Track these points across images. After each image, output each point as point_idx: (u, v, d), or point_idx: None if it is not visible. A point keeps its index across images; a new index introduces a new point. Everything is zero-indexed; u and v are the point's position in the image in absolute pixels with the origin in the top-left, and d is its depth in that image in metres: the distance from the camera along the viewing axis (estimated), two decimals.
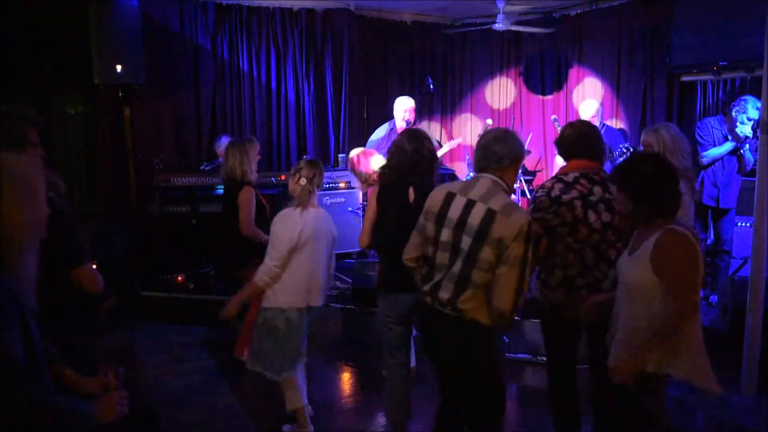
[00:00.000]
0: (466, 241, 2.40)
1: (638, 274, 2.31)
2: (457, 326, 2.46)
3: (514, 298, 2.33)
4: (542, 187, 2.88)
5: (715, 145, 5.04)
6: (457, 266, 2.43)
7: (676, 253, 2.24)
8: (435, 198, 2.58)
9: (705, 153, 5.05)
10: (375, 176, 4.01)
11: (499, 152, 2.46)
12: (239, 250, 4.13)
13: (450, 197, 2.51)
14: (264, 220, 4.21)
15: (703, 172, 5.11)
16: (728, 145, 4.97)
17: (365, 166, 4.18)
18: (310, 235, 3.23)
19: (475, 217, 2.39)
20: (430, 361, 2.77)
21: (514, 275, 2.32)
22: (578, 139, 2.87)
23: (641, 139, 3.83)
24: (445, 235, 2.48)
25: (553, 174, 3.06)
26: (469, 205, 2.43)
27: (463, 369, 2.56)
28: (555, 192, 2.79)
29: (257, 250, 4.04)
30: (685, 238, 2.25)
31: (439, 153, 5.48)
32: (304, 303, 3.27)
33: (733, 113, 4.94)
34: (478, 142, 2.59)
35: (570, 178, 2.81)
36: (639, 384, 2.33)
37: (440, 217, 2.51)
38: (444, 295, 2.47)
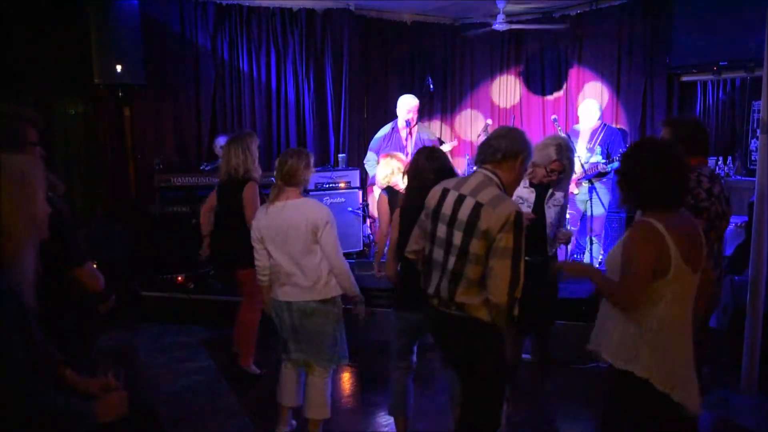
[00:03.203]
0: (457, 236, 2.43)
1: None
2: (460, 325, 2.47)
3: (508, 290, 2.31)
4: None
5: None
6: (451, 262, 2.45)
7: (632, 242, 2.20)
8: (433, 194, 2.60)
9: None
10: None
11: (495, 146, 2.48)
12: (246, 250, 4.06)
13: (445, 193, 2.53)
14: None
15: None
16: None
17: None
18: (266, 229, 3.21)
19: (464, 211, 2.41)
20: (445, 364, 2.78)
21: (506, 267, 2.31)
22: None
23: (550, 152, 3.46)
24: (441, 231, 2.50)
25: None
26: (460, 200, 2.45)
27: (469, 369, 2.56)
28: (705, 185, 2.87)
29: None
30: (650, 231, 2.16)
31: None
32: (277, 296, 3.26)
33: None
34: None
35: (707, 172, 2.94)
36: (644, 401, 2.21)
37: (435, 213, 2.53)
38: (444, 293, 2.49)
